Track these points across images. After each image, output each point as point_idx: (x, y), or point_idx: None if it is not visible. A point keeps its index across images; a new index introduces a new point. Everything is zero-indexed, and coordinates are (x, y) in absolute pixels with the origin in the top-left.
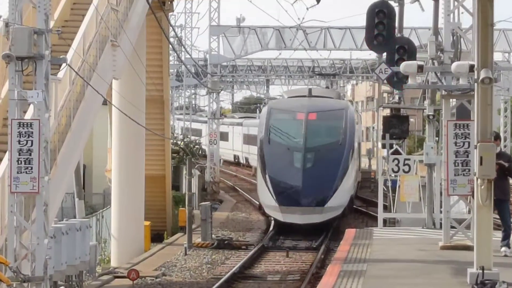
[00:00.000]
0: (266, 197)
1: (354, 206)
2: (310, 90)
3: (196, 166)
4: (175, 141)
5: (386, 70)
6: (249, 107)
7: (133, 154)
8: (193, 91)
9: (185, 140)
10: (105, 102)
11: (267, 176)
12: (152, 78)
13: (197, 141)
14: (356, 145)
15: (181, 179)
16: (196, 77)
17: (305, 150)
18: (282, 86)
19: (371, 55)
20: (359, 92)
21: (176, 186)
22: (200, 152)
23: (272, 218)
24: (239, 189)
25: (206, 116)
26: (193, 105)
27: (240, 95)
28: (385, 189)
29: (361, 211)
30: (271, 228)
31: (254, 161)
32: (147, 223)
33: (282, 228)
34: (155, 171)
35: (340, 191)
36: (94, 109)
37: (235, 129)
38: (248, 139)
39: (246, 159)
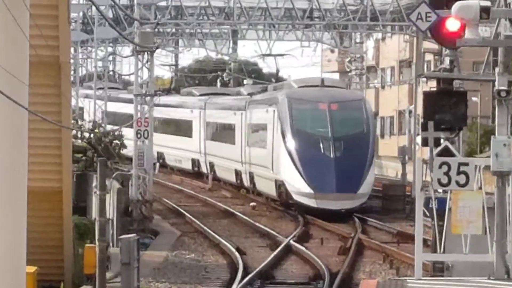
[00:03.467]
0: (298, 184)
1: (374, 241)
2: (322, 80)
3: (114, 175)
4: (79, 132)
5: (428, 15)
6: (203, 76)
7: (7, 154)
8: (110, 49)
9: (96, 131)
10: None
11: (299, 165)
12: (41, 27)
13: (117, 133)
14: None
15: (89, 195)
16: (115, 26)
17: (334, 139)
18: (259, 42)
19: None
20: (388, 53)
21: (81, 208)
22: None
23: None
24: (186, 213)
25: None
26: (111, 73)
27: (188, 56)
28: (427, 213)
29: (387, 249)
30: (239, 274)
31: (263, 181)
32: (32, 268)
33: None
34: (45, 182)
35: (368, 179)
36: None
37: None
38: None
39: (251, 177)
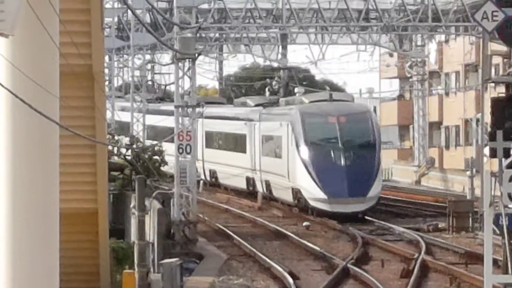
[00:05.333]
0: (313, 191)
1: (439, 262)
2: (331, 94)
3: (154, 194)
4: (115, 147)
5: (495, 14)
6: (251, 85)
7: (37, 173)
8: (148, 57)
9: (135, 146)
10: None
11: (313, 174)
12: (72, 34)
13: (157, 148)
14: None
15: (128, 217)
16: (153, 31)
17: (344, 149)
18: (311, 46)
19: None
20: (452, 56)
21: (119, 231)
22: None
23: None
24: (233, 235)
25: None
26: (150, 83)
27: (234, 63)
28: (497, 231)
29: (455, 270)
30: None
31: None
32: None
33: None
34: (79, 203)
35: (376, 183)
36: None
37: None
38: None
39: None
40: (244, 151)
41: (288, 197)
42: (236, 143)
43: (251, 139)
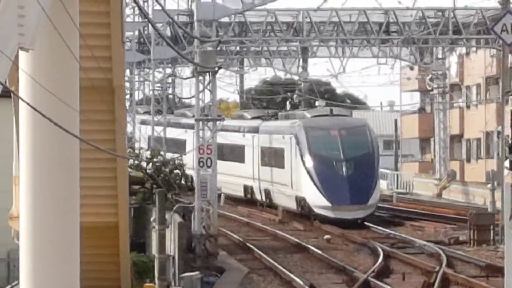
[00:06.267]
0: (318, 199)
1: (460, 275)
2: (331, 109)
3: (175, 208)
4: (136, 161)
5: None
6: (272, 98)
7: (57, 186)
8: (169, 70)
9: (155, 159)
10: (7, 93)
11: (317, 183)
12: (92, 47)
13: (178, 161)
14: None
15: (148, 230)
16: (173, 45)
17: (345, 160)
18: (331, 59)
19: None
20: (473, 69)
21: (139, 244)
22: (186, 182)
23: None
24: (254, 248)
25: (193, 116)
26: (170, 97)
27: (255, 76)
28: None
29: (476, 283)
30: None
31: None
32: None
33: None
34: (99, 217)
35: (375, 191)
36: None
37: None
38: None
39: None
40: (242, 161)
41: (291, 204)
42: (235, 153)
43: (250, 150)
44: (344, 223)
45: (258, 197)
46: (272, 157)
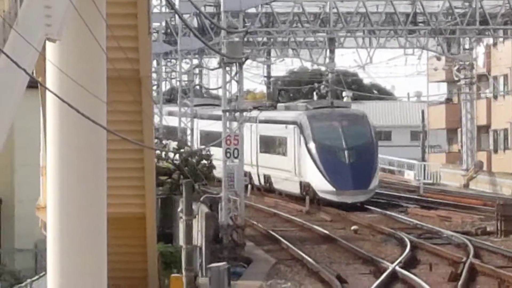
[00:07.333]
0: (322, 184)
1: (488, 265)
2: (332, 102)
3: (202, 198)
4: (164, 152)
5: None
6: (298, 89)
7: (85, 178)
8: (196, 61)
9: (182, 150)
10: (34, 83)
11: (322, 170)
12: (119, 38)
13: (205, 153)
14: None
15: (175, 221)
16: (200, 36)
17: (347, 148)
18: (358, 50)
19: None
20: (500, 60)
21: (166, 235)
22: (213, 173)
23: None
24: (282, 239)
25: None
26: (198, 88)
27: (282, 67)
28: None
29: (503, 274)
30: None
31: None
32: None
33: None
34: (127, 207)
35: (375, 177)
36: (14, 95)
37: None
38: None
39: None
40: None
41: (295, 189)
42: None
43: (248, 138)
44: (345, 206)
45: (256, 182)
46: (272, 145)
